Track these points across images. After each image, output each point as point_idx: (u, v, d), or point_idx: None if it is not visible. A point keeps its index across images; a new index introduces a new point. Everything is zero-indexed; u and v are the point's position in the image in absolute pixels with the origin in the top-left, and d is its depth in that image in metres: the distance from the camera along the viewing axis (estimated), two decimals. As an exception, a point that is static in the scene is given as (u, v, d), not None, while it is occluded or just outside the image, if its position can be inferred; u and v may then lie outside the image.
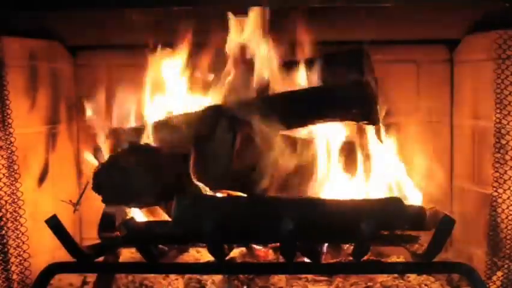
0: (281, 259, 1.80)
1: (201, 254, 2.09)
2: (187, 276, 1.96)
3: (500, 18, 1.80)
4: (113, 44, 2.23)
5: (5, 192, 1.80)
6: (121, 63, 2.22)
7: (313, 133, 2.01)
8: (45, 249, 1.98)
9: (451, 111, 2.30)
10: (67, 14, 1.93)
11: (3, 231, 1.80)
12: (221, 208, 1.73)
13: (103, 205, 1.91)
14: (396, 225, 1.77)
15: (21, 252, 1.83)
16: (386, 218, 1.72)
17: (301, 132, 2.00)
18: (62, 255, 1.77)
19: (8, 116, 1.81)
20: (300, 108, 1.93)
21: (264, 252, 2.02)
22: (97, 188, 1.83)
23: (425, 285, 1.94)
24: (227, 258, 1.85)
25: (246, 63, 2.03)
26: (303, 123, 1.96)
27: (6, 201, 1.80)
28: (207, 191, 1.85)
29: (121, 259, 2.03)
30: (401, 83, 2.28)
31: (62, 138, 2.23)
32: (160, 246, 1.86)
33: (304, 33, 2.00)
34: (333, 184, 1.97)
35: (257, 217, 1.71)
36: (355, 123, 1.99)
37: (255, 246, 2.01)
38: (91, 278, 2.01)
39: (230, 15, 1.97)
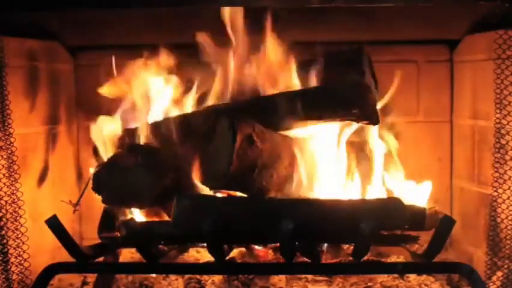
0: (281, 259, 1.80)
1: (201, 254, 2.09)
2: (187, 276, 1.96)
3: (500, 18, 1.80)
4: (113, 44, 2.23)
5: (5, 193, 1.80)
6: (121, 63, 2.22)
7: (314, 133, 2.01)
8: (45, 249, 1.98)
9: (451, 111, 2.30)
10: (67, 14, 1.93)
11: (3, 231, 1.80)
12: (221, 208, 1.73)
13: (103, 205, 1.91)
14: (396, 225, 1.77)
15: (21, 252, 1.83)
16: (386, 218, 1.72)
17: (301, 133, 2.00)
18: (62, 255, 1.77)
19: (8, 116, 1.81)
20: (300, 108, 1.93)
21: (264, 252, 2.02)
22: (96, 188, 1.83)
23: (425, 285, 1.94)
24: (227, 258, 1.85)
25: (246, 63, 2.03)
26: (303, 123, 1.96)
27: (6, 202, 1.80)
28: (206, 191, 1.85)
29: (121, 259, 2.03)
30: (401, 83, 2.27)
31: (62, 138, 2.23)
32: (160, 246, 1.86)
33: (304, 33, 2.00)
34: (333, 184, 1.97)
35: (257, 217, 1.71)
36: (355, 123, 1.99)
37: (255, 246, 2.01)
38: (91, 278, 2.01)
39: (230, 15, 1.97)
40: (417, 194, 1.99)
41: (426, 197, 1.99)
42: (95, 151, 2.03)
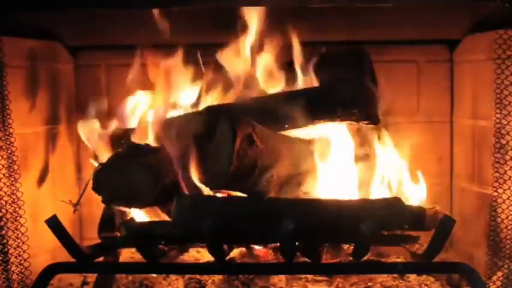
0: (281, 259, 1.80)
1: (201, 254, 2.09)
2: (187, 276, 1.96)
3: (500, 18, 1.80)
4: (113, 44, 2.23)
5: (5, 192, 1.80)
6: (121, 63, 2.22)
7: (314, 133, 2.01)
8: (45, 249, 1.98)
9: (451, 111, 2.30)
10: (67, 14, 1.93)
11: (3, 231, 1.80)
12: (221, 208, 1.73)
13: (103, 205, 1.91)
14: (396, 225, 1.77)
15: (21, 252, 1.83)
16: (386, 218, 1.72)
17: (301, 132, 2.00)
18: (62, 255, 1.77)
19: (8, 116, 1.81)
20: (300, 109, 1.93)
21: (264, 252, 2.02)
22: (96, 188, 1.83)
23: (425, 285, 1.94)
24: (227, 258, 1.84)
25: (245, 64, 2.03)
26: (303, 123, 1.96)
27: (6, 202, 1.80)
28: (206, 191, 1.85)
29: (121, 259, 2.03)
30: (401, 83, 2.28)
31: (62, 138, 2.23)
32: (160, 246, 1.86)
33: (304, 33, 2.00)
34: (333, 184, 1.97)
35: (257, 217, 1.71)
36: (355, 123, 1.99)
37: (255, 246, 2.01)
38: (91, 278, 2.01)
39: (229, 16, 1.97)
40: (417, 194, 1.99)
41: (425, 196, 1.99)
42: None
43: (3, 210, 1.79)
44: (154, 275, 1.97)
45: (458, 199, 2.24)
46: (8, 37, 1.85)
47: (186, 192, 1.80)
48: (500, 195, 1.79)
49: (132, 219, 1.78)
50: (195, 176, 1.81)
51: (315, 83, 2.02)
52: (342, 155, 2.01)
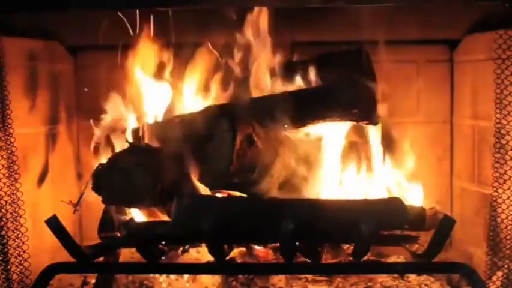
0: (281, 259, 1.80)
1: (201, 254, 2.09)
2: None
3: (500, 18, 1.80)
4: (113, 44, 2.23)
5: (5, 193, 1.80)
6: (121, 63, 2.22)
7: (314, 133, 2.01)
8: (45, 249, 1.98)
9: (451, 111, 2.30)
10: (67, 14, 1.93)
11: (3, 232, 1.80)
12: (221, 208, 1.73)
13: (103, 205, 1.91)
14: (396, 225, 1.77)
15: (21, 252, 1.83)
16: (386, 218, 1.72)
17: (301, 132, 2.00)
18: (62, 255, 1.77)
19: (8, 116, 1.81)
20: (300, 109, 1.93)
21: (264, 252, 2.02)
22: (96, 189, 1.83)
23: (425, 285, 1.94)
24: (227, 258, 1.84)
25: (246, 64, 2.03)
26: (303, 123, 1.96)
27: (6, 202, 1.80)
28: (206, 191, 1.85)
29: (121, 259, 2.03)
30: (401, 83, 2.27)
31: (62, 138, 2.23)
32: (160, 246, 1.86)
33: (304, 33, 2.00)
34: (333, 184, 1.97)
35: (257, 217, 1.71)
36: (355, 123, 1.99)
37: (255, 246, 2.01)
38: (91, 278, 2.01)
39: (230, 16, 1.97)
40: (417, 194, 1.99)
41: (425, 197, 1.99)
42: (96, 151, 2.04)
43: (3, 210, 1.79)
44: (154, 275, 1.97)
45: (458, 199, 2.24)
46: (8, 37, 1.85)
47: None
48: (500, 195, 1.79)
49: (132, 219, 1.78)
50: (195, 176, 1.81)
51: (315, 83, 2.03)
52: (342, 154, 2.01)
